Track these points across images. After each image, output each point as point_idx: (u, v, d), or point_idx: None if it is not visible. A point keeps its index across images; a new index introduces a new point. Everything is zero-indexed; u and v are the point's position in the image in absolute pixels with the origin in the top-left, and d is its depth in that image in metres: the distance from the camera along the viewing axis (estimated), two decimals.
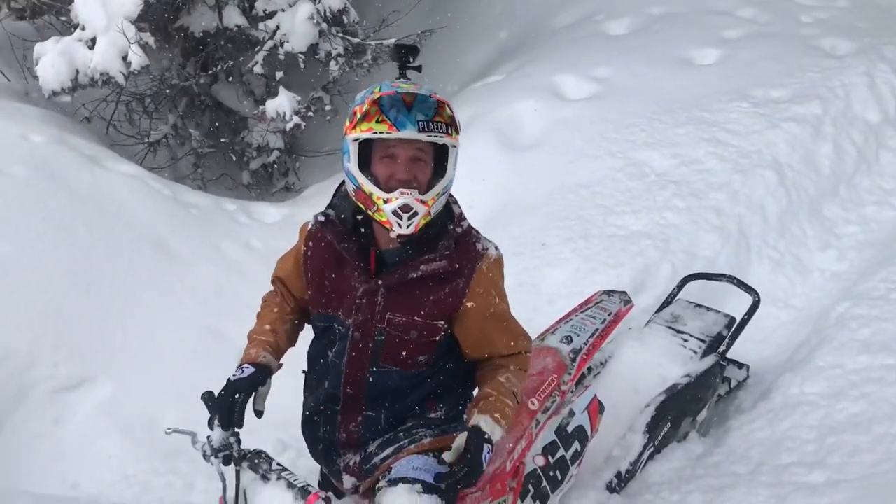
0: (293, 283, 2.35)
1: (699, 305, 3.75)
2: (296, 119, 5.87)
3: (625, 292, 3.45)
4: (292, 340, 2.41)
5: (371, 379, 2.19)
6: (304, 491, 1.98)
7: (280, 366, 2.31)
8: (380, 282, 2.13)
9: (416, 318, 2.14)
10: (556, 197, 5.04)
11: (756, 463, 3.03)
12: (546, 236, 4.77)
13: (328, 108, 6.78)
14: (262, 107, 6.07)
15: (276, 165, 7.02)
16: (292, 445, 3.41)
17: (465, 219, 2.25)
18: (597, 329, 3.08)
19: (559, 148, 5.37)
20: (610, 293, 3.41)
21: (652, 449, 3.18)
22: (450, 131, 2.03)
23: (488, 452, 2.04)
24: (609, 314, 3.19)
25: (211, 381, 2.31)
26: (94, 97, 6.39)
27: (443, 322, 2.16)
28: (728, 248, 4.54)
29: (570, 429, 2.77)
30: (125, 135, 6.72)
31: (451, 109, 2.03)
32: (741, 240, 4.59)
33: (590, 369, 3.40)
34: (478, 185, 5.26)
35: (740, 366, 3.74)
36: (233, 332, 3.96)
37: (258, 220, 5.32)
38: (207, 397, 2.14)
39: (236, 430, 2.10)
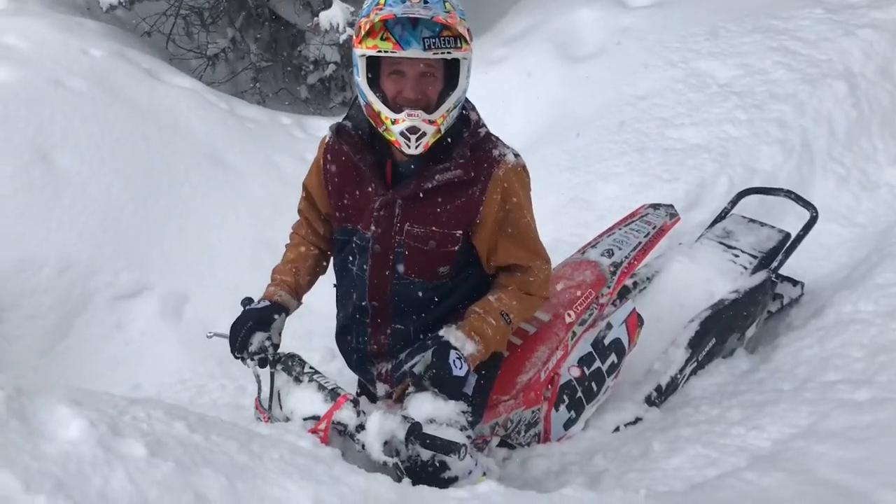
0: (319, 198, 2.34)
1: (753, 221, 3.63)
2: (349, 31, 5.79)
3: (671, 205, 3.35)
4: (316, 275, 2.45)
5: (394, 291, 2.20)
6: (333, 393, 2.03)
7: (299, 305, 2.37)
8: (396, 193, 2.12)
9: (434, 228, 2.13)
10: (612, 109, 4.91)
11: (801, 380, 2.96)
12: (600, 150, 4.67)
13: None
14: (315, 18, 6.01)
15: (333, 80, 6.98)
16: (340, 354, 3.51)
17: (482, 125, 2.19)
18: (640, 243, 3.02)
19: (618, 58, 5.20)
20: (656, 206, 3.33)
21: (695, 364, 3.14)
22: (459, 44, 1.95)
23: (458, 358, 2.05)
24: (653, 228, 3.11)
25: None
26: (154, 11, 6.43)
27: (460, 232, 2.14)
28: (790, 163, 4.36)
29: (606, 341, 2.76)
30: (184, 49, 6.77)
31: (460, 19, 1.93)
32: (805, 153, 4.40)
33: (636, 284, 3.36)
34: (532, 98, 5.15)
35: (795, 283, 3.64)
36: (286, 243, 4.06)
37: (313, 134, 5.36)
38: (246, 301, 2.26)
39: (270, 341, 2.19)
